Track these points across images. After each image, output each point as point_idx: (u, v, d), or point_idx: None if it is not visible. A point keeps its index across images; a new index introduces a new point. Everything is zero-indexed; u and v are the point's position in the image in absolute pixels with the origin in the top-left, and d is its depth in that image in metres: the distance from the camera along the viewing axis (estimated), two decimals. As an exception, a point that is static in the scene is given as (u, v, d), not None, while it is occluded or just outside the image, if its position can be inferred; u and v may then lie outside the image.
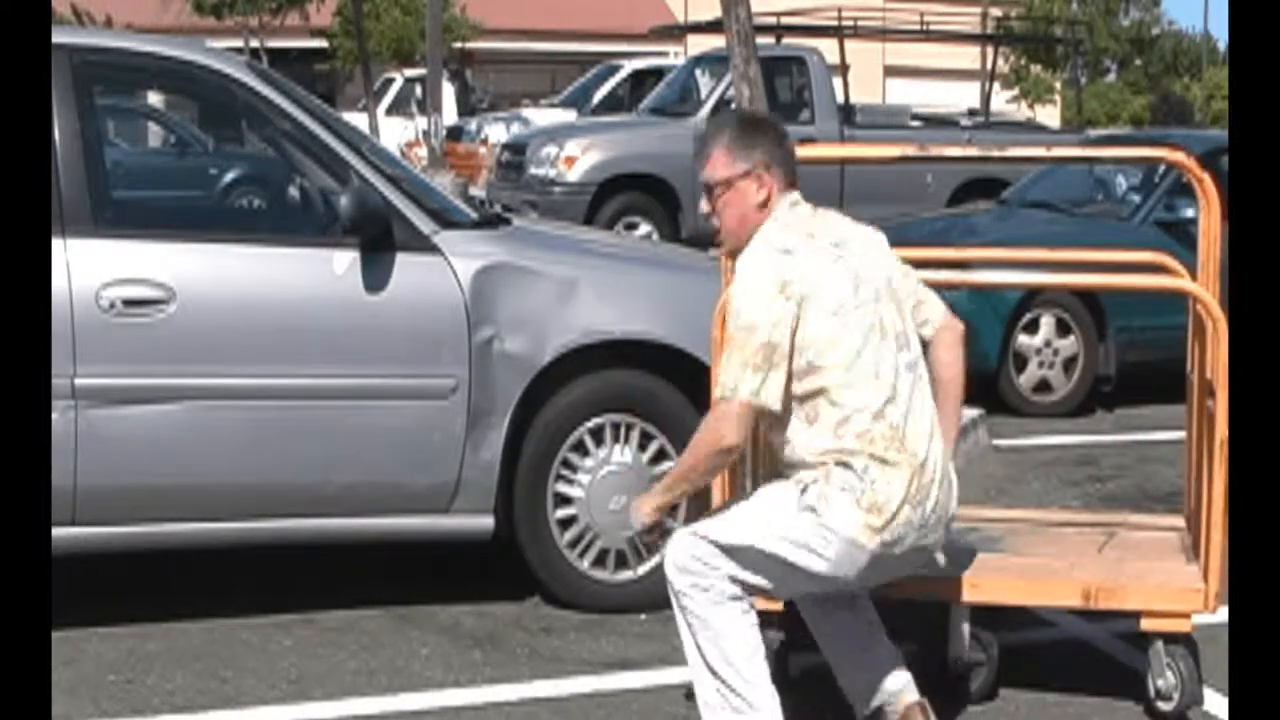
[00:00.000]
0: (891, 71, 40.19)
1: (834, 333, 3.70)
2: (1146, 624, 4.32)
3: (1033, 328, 8.92)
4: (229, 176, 10.90)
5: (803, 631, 4.53)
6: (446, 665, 4.75)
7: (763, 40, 11.02)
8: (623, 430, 5.17)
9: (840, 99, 15.30)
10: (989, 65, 20.92)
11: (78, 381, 4.70)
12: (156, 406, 4.78)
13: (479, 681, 4.63)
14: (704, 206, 3.99)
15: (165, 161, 13.65)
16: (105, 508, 4.79)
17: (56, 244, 4.65)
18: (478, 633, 5.05)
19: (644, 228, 14.19)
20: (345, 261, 4.92)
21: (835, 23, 16.52)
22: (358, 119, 23.22)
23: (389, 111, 27.83)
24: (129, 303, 4.76)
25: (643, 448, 5.18)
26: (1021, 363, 8.94)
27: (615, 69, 21.80)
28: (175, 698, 4.48)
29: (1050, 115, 38.70)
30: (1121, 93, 53.55)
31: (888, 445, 3.69)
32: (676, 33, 28.96)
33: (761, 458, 4.98)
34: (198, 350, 4.81)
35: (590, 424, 5.13)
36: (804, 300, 3.69)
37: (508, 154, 15.54)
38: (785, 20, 16.46)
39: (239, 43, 30.80)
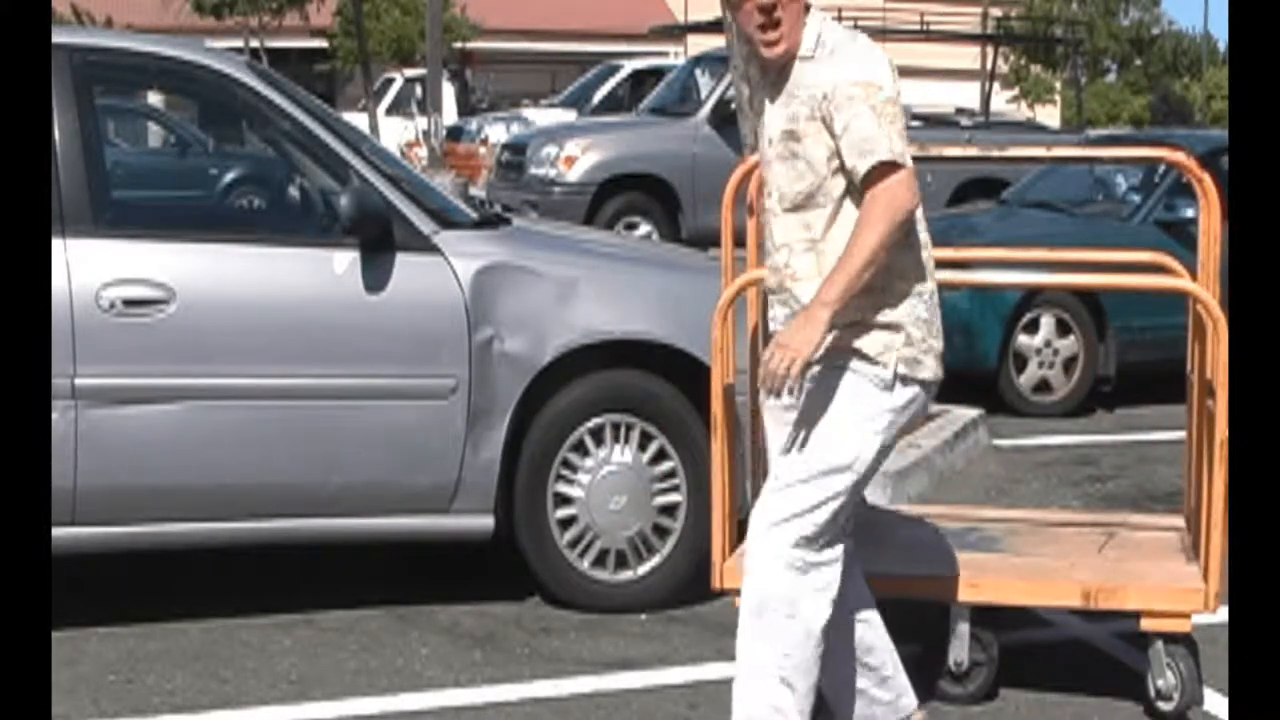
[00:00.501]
0: (891, 71, 40.15)
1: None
2: (1146, 624, 4.32)
3: (1033, 328, 8.92)
4: (229, 177, 10.90)
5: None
6: (446, 665, 4.75)
7: (763, 40, 11.00)
8: (623, 430, 5.17)
9: (840, 99, 15.27)
10: (989, 65, 20.92)
11: (78, 381, 4.70)
12: (156, 406, 4.78)
13: (479, 681, 4.63)
14: (759, 33, 3.74)
15: (165, 161, 13.64)
16: (105, 508, 4.79)
17: (57, 244, 4.65)
18: (478, 633, 5.05)
19: (644, 228, 14.18)
20: (345, 261, 4.92)
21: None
22: (358, 119, 23.22)
23: (389, 111, 27.84)
24: (129, 303, 4.76)
25: (643, 448, 5.18)
26: (1021, 363, 8.94)
27: (615, 69, 21.79)
28: (175, 698, 4.49)
29: (1050, 115, 38.72)
30: (1121, 93, 53.55)
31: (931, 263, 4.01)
32: (676, 33, 29.00)
33: (760, 458, 4.98)
34: (198, 350, 4.81)
35: (590, 424, 5.13)
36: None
37: (508, 154, 15.54)
38: (785, 20, 16.42)
39: (239, 43, 30.81)
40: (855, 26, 16.71)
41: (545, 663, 4.80)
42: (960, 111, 19.82)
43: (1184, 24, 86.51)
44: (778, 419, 3.95)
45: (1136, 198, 9.85)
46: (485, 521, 5.06)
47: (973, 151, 5.52)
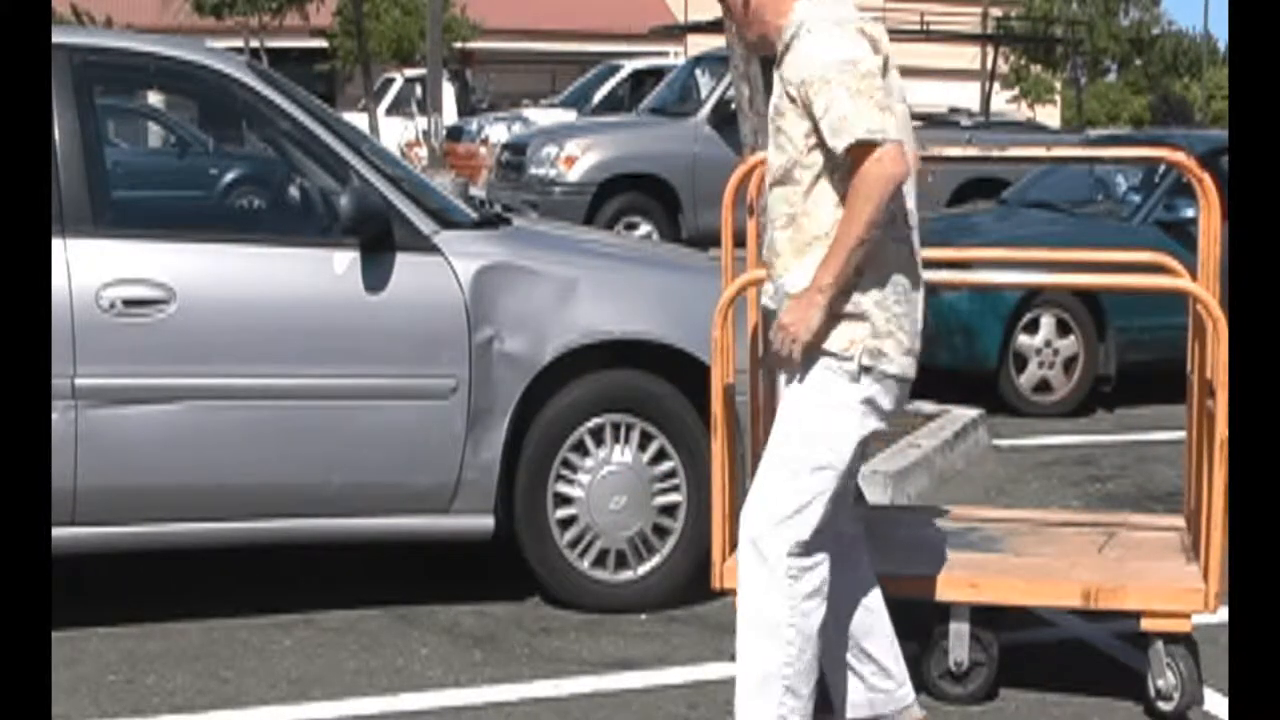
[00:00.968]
0: (891, 71, 40.15)
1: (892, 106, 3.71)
2: (1147, 624, 4.32)
3: (1033, 328, 8.92)
4: (229, 177, 10.89)
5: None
6: (446, 665, 4.75)
7: (763, 40, 11.01)
8: (623, 430, 5.17)
9: (840, 99, 15.27)
10: (989, 65, 20.92)
11: (78, 381, 4.70)
12: (157, 406, 4.78)
13: (479, 681, 4.63)
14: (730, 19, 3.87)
15: (165, 161, 13.63)
16: (105, 508, 4.79)
17: (57, 244, 4.65)
18: (478, 633, 5.05)
19: (644, 228, 14.18)
20: (345, 262, 4.92)
21: (835, 23, 16.49)
22: (358, 119, 23.22)
23: (389, 111, 27.84)
24: (129, 303, 4.76)
25: (643, 448, 5.18)
26: (1022, 363, 8.93)
27: (615, 69, 21.79)
28: (175, 698, 4.49)
29: (1050, 115, 38.70)
30: (1121, 93, 53.53)
31: (912, 262, 3.98)
32: (677, 33, 29.01)
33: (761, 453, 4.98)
34: (198, 350, 4.81)
35: (590, 424, 5.13)
36: (883, 56, 3.70)
37: (508, 154, 15.54)
38: (786, 20, 16.43)
39: (239, 43, 30.80)
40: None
41: (545, 663, 4.79)
42: (955, 111, 19.81)
43: (1184, 24, 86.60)
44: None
45: (1136, 198, 9.85)
46: (485, 521, 5.06)
47: (973, 151, 5.52)
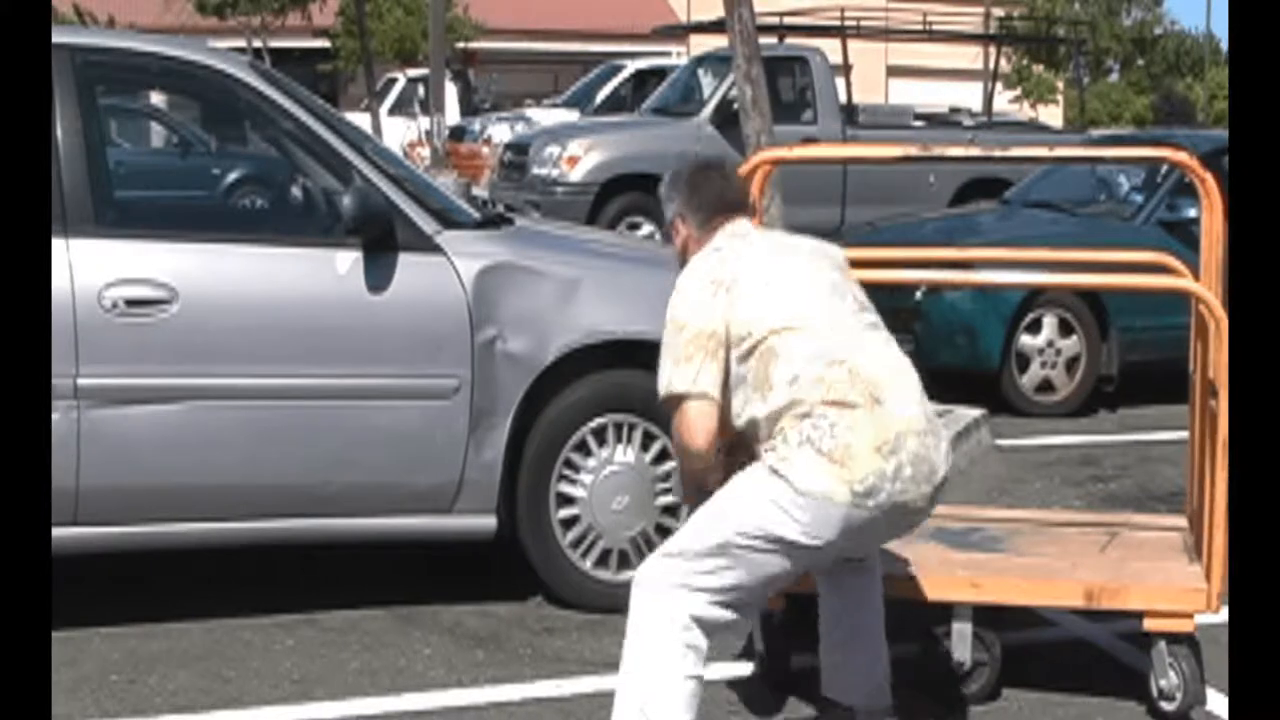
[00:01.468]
0: (894, 71, 40.18)
1: (770, 298, 3.71)
2: (1149, 624, 4.32)
3: (1035, 327, 8.92)
4: (231, 176, 10.92)
5: (803, 631, 4.53)
6: (449, 665, 4.75)
7: (765, 40, 11.01)
8: (625, 430, 5.17)
9: (843, 99, 15.30)
10: (991, 65, 20.92)
11: (80, 381, 4.70)
12: (159, 406, 4.78)
13: (481, 681, 4.63)
14: None
15: (168, 161, 13.66)
16: (107, 507, 4.79)
17: (59, 244, 4.65)
18: (480, 633, 5.05)
19: (646, 228, 14.17)
20: (348, 261, 4.92)
21: (838, 23, 16.52)
22: (360, 119, 23.22)
23: (391, 111, 27.83)
24: (131, 303, 4.76)
25: (645, 448, 5.18)
26: (1024, 363, 8.93)
27: (618, 69, 21.78)
28: (177, 698, 4.49)
29: (1052, 115, 38.70)
30: (1124, 93, 53.53)
31: (847, 389, 3.61)
32: (679, 33, 28.98)
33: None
34: (200, 350, 4.81)
35: (593, 424, 5.13)
36: (734, 281, 3.73)
37: (510, 154, 15.54)
38: (788, 20, 16.45)
39: (241, 43, 30.80)
40: (858, 26, 16.84)
41: (548, 663, 4.80)
42: (957, 111, 19.81)
43: (1186, 24, 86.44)
44: None
45: (1139, 198, 9.85)
46: (488, 521, 5.06)
47: (975, 151, 5.53)
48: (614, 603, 5.18)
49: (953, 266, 6.53)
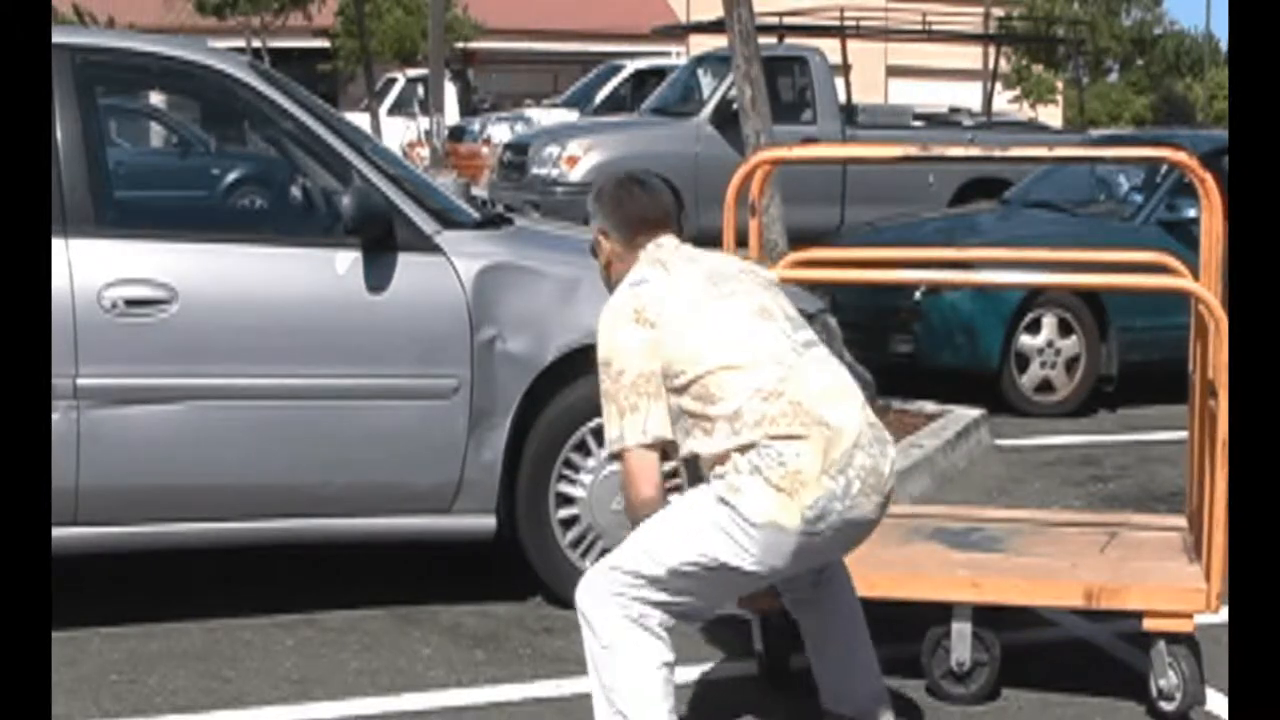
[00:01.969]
0: (894, 71, 40.18)
1: (702, 336, 3.65)
2: (1149, 624, 4.32)
3: (1035, 328, 8.92)
4: (231, 176, 10.92)
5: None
6: (449, 665, 4.75)
7: (765, 40, 11.00)
8: (624, 430, 5.16)
9: (842, 99, 15.30)
10: (991, 65, 20.92)
11: (80, 381, 4.70)
12: (158, 406, 4.78)
13: (481, 681, 4.63)
14: None
15: (167, 161, 13.66)
16: (107, 507, 4.79)
17: (59, 244, 4.65)
18: (480, 633, 5.05)
19: (646, 228, 14.17)
20: (347, 261, 4.92)
21: (838, 23, 16.53)
22: (360, 119, 23.23)
23: (391, 111, 27.83)
24: (131, 303, 4.77)
25: (644, 448, 5.17)
26: (1024, 363, 8.93)
27: (617, 69, 21.78)
28: (177, 698, 4.49)
29: (1052, 115, 38.69)
30: (1123, 93, 53.51)
31: (790, 421, 3.57)
32: (679, 33, 28.97)
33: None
34: (200, 350, 4.81)
35: (592, 424, 5.12)
36: (659, 318, 3.67)
37: (510, 154, 15.53)
38: (788, 20, 16.45)
39: (241, 43, 30.79)
40: (857, 26, 16.85)
41: (547, 662, 4.79)
42: (957, 111, 19.81)
43: (1186, 24, 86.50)
44: None
45: (1139, 198, 9.85)
46: (487, 521, 5.06)
47: (975, 151, 5.53)
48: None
49: (952, 266, 6.54)
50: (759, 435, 3.57)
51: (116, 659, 4.77)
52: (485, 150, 19.51)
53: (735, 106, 8.99)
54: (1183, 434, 5.13)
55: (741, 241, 4.74)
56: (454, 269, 4.98)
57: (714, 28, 14.08)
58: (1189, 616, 4.29)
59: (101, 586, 5.38)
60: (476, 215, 5.42)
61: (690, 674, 4.69)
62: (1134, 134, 18.97)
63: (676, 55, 29.42)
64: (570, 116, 19.27)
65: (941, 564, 4.57)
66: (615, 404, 3.67)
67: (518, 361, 4.99)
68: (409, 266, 4.95)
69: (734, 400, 3.59)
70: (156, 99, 15.04)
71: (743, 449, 3.57)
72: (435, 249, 5.00)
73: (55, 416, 4.60)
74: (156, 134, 15.44)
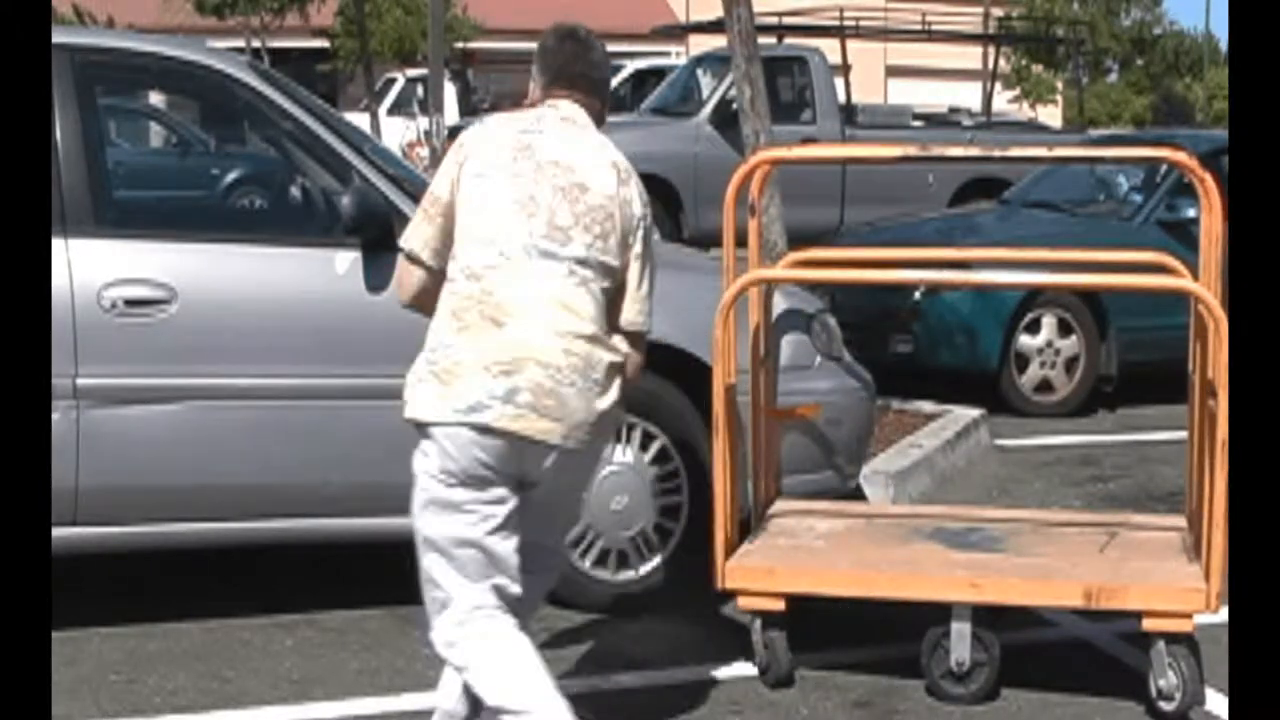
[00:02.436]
0: (893, 71, 40.16)
1: (471, 193, 3.68)
2: (1148, 624, 4.32)
3: (1034, 328, 8.92)
4: (230, 176, 10.92)
5: (803, 632, 4.55)
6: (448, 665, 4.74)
7: (764, 40, 11.01)
8: (624, 431, 5.16)
9: (842, 99, 15.30)
10: (990, 65, 20.91)
11: (79, 381, 4.70)
12: (158, 406, 4.78)
13: (480, 681, 4.62)
14: None
15: (167, 161, 13.67)
16: (106, 508, 4.79)
17: (58, 244, 4.65)
18: (479, 633, 5.03)
19: (645, 228, 14.16)
20: (347, 262, 4.92)
21: (837, 23, 16.53)
22: (359, 119, 23.22)
23: (391, 111, 27.83)
24: (131, 303, 4.76)
25: (644, 448, 5.18)
26: (1023, 363, 8.93)
27: (617, 69, 21.78)
28: (177, 698, 4.49)
29: (1052, 115, 38.68)
30: (1123, 93, 53.53)
31: (469, 309, 3.58)
32: (678, 33, 28.96)
33: (762, 458, 5.00)
34: (199, 350, 4.81)
35: (592, 424, 5.12)
36: (465, 160, 3.73)
37: (509, 154, 15.51)
38: (787, 20, 16.46)
39: (240, 43, 30.77)
40: (857, 26, 16.85)
41: (547, 662, 4.78)
42: (956, 111, 19.81)
43: (1185, 24, 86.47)
44: None
45: (1138, 198, 9.85)
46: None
47: (974, 151, 5.53)
48: (613, 603, 5.20)
49: (952, 266, 6.54)
50: (449, 307, 3.64)
51: (116, 659, 4.77)
52: (485, 150, 19.46)
53: (735, 106, 8.99)
54: (1182, 434, 5.13)
55: (741, 241, 4.74)
56: (453, 269, 4.96)
57: (713, 28, 14.08)
58: (1188, 616, 4.29)
59: (101, 586, 5.38)
60: (476, 215, 5.41)
61: (690, 674, 4.70)
62: (1133, 134, 18.98)
63: (676, 55, 29.45)
64: (570, 116, 19.23)
65: (941, 564, 4.57)
66: (420, 214, 3.80)
67: (517, 361, 4.98)
68: (408, 266, 4.94)
69: (456, 264, 3.68)
70: (156, 99, 15.04)
71: (442, 317, 3.67)
72: (435, 249, 4.98)
73: (55, 416, 4.60)
74: (156, 134, 15.45)
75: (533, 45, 4.08)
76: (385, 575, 5.56)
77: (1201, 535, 4.36)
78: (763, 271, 5.09)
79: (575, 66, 3.90)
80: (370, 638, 4.98)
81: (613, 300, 3.73)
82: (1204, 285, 4.41)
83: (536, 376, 3.55)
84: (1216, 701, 4.40)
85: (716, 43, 15.72)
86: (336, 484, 4.91)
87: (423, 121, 23.44)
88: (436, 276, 3.73)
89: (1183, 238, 8.39)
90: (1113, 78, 56.06)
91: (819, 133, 14.57)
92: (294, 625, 5.07)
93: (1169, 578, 4.41)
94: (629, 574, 5.21)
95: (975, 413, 8.14)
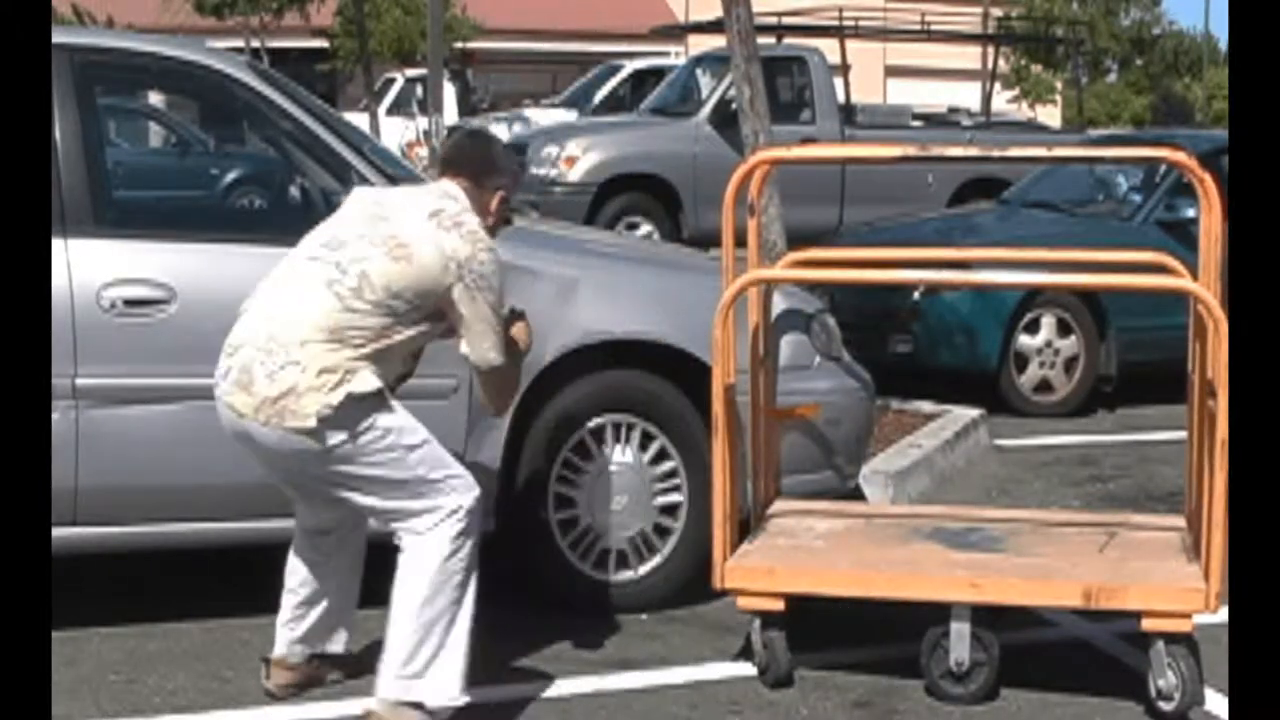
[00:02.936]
0: (892, 71, 40.18)
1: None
2: (1148, 624, 4.32)
3: (1034, 328, 8.92)
4: (230, 176, 10.93)
5: (802, 632, 4.55)
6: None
7: (764, 40, 11.01)
8: (624, 430, 5.16)
9: (841, 99, 15.31)
10: (990, 65, 20.92)
11: (78, 381, 4.70)
12: (157, 406, 4.78)
13: (480, 682, 4.62)
14: None
15: (166, 161, 13.66)
16: (106, 508, 4.79)
17: (58, 244, 4.65)
18: (477, 633, 5.03)
19: (645, 228, 14.18)
20: (346, 261, 4.91)
21: (836, 23, 16.53)
22: (359, 119, 23.22)
23: (390, 111, 27.82)
24: (130, 303, 4.76)
25: (644, 448, 5.18)
26: (1023, 363, 8.93)
27: (616, 69, 21.80)
28: (176, 698, 4.49)
29: (1051, 115, 38.68)
30: (1122, 93, 53.52)
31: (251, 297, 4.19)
32: (677, 33, 28.98)
33: (762, 458, 5.00)
34: (198, 350, 4.79)
35: (591, 424, 5.13)
36: None
37: (509, 154, 15.52)
38: (786, 20, 16.46)
39: (240, 43, 30.77)
40: (856, 26, 16.87)
41: (546, 663, 4.79)
42: (956, 111, 19.81)
43: (1185, 24, 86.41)
44: None
45: (1137, 198, 9.85)
46: (485, 522, 5.04)
47: (973, 151, 5.53)
48: (612, 603, 5.20)
49: (951, 266, 6.54)
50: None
51: (115, 659, 4.77)
52: (484, 150, 19.46)
53: (734, 106, 8.99)
54: (1182, 434, 5.13)
55: (740, 241, 4.74)
56: (453, 269, 4.96)
57: (713, 28, 14.09)
58: (1188, 616, 4.29)
59: (101, 586, 5.38)
60: (475, 215, 5.41)
61: (691, 674, 4.70)
62: (1133, 134, 18.98)
63: (675, 55, 29.44)
64: (569, 116, 19.28)
65: (940, 564, 4.57)
66: None
67: (517, 361, 4.98)
68: (408, 266, 4.94)
69: None
70: (155, 99, 15.03)
71: None
72: (434, 249, 4.98)
73: (54, 416, 4.59)
74: (156, 134, 15.44)
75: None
76: (384, 575, 5.56)
77: (1201, 535, 4.36)
78: (762, 271, 5.09)
79: (442, 153, 4.48)
80: (369, 637, 4.97)
81: (392, 319, 4.09)
82: (1203, 285, 4.41)
83: (245, 357, 4.07)
84: (1216, 701, 4.40)
85: (716, 43, 15.73)
86: (336, 484, 4.90)
87: (422, 121, 23.42)
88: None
89: (1182, 238, 8.39)
90: (1112, 78, 56.05)
91: (818, 133, 14.58)
92: (293, 625, 5.06)
93: (1168, 578, 4.41)
94: (628, 574, 5.21)
95: (974, 413, 8.14)
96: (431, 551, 4.14)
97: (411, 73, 29.13)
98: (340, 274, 4.05)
